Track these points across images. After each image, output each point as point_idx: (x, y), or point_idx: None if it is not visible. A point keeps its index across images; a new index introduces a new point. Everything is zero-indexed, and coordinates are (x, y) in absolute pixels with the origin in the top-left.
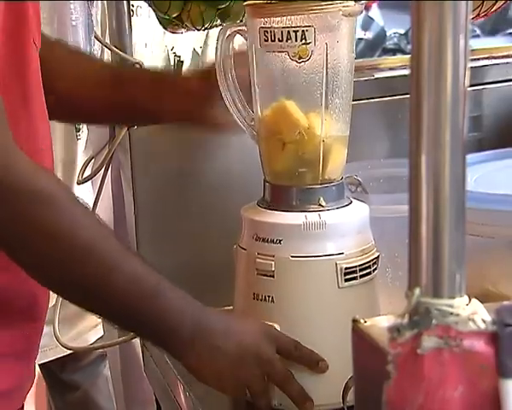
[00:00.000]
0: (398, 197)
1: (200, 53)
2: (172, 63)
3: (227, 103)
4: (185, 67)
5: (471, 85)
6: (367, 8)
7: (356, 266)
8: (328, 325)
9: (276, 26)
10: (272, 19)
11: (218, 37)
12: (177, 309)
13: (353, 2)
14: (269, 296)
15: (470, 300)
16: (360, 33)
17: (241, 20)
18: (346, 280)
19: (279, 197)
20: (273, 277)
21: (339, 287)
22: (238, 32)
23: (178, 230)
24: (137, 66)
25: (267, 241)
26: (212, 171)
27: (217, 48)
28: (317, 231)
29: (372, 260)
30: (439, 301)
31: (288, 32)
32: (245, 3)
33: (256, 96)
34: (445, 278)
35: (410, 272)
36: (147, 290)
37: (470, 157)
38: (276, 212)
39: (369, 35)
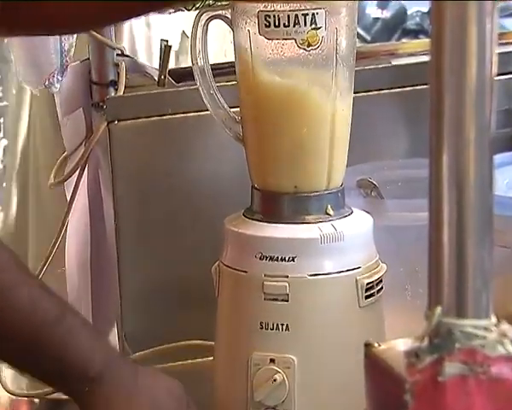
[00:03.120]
0: (419, 203)
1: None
2: (159, 48)
3: (204, 99)
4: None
5: (503, 74)
6: None
7: (374, 281)
8: (351, 350)
9: (281, 9)
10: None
11: (194, 22)
12: (84, 344)
13: None
14: (282, 324)
15: (498, 320)
16: (376, 12)
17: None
18: (367, 297)
19: (275, 207)
20: (287, 301)
21: (359, 306)
22: (218, 16)
23: (164, 239)
24: (119, 51)
25: (277, 259)
26: (202, 172)
27: (192, 35)
28: (335, 244)
29: (383, 273)
30: (463, 321)
31: (296, 15)
32: None
33: (245, 91)
34: (470, 295)
35: (430, 289)
36: (48, 318)
37: (501, 157)
38: (283, 225)
39: (387, 14)
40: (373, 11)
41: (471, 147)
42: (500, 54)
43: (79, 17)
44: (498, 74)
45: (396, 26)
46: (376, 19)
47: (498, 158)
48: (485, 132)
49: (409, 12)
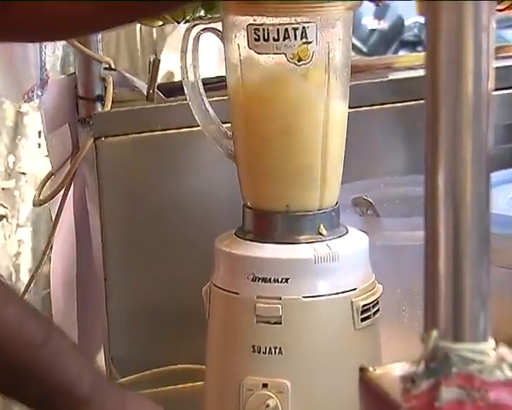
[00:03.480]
0: (417, 221)
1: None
2: (147, 62)
3: (195, 115)
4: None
5: (504, 88)
6: None
7: (370, 303)
8: (346, 374)
9: (271, 22)
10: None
11: (184, 35)
12: (71, 366)
13: None
14: (275, 348)
15: (497, 344)
16: (373, 23)
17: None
18: (363, 320)
19: (268, 226)
20: (280, 323)
21: (355, 329)
22: (209, 29)
23: (153, 259)
24: (106, 65)
25: (270, 281)
26: (193, 190)
27: (182, 48)
28: (329, 264)
29: (380, 295)
30: (460, 345)
31: (286, 29)
32: None
33: (237, 107)
34: (467, 318)
35: (427, 311)
36: (34, 339)
37: (502, 174)
38: (276, 245)
39: (384, 25)
40: (369, 22)
41: (468, 164)
42: (502, 68)
43: (77, 18)
44: (500, 89)
45: (393, 38)
46: (373, 30)
47: (500, 175)
48: (482, 149)
49: (406, 23)
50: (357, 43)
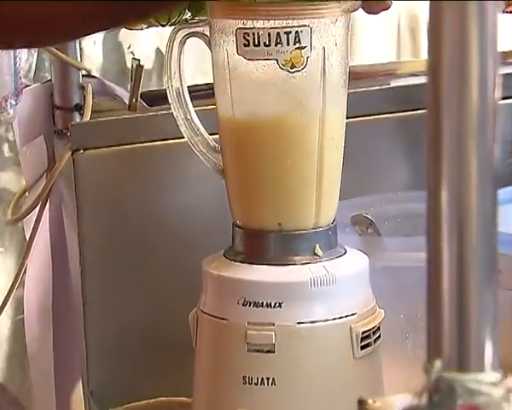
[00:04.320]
0: (421, 241)
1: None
2: (130, 67)
3: (180, 126)
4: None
5: (509, 97)
6: None
7: (370, 330)
8: (344, 406)
9: (261, 26)
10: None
11: (168, 39)
12: None
13: None
14: (268, 378)
15: (505, 375)
16: None
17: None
18: (362, 347)
19: (259, 247)
20: (273, 352)
21: (354, 357)
22: (195, 34)
23: (135, 283)
24: (85, 72)
25: (262, 305)
26: (178, 207)
27: (167, 54)
28: (326, 287)
29: (381, 320)
30: (466, 376)
31: (278, 33)
32: None
33: (225, 117)
34: (473, 347)
35: (430, 339)
36: None
37: (510, 190)
38: (268, 267)
39: None
40: None
41: (473, 180)
42: (509, 75)
43: (71, 18)
44: (508, 97)
45: None
46: None
47: (508, 191)
48: (488, 164)
49: None
50: None
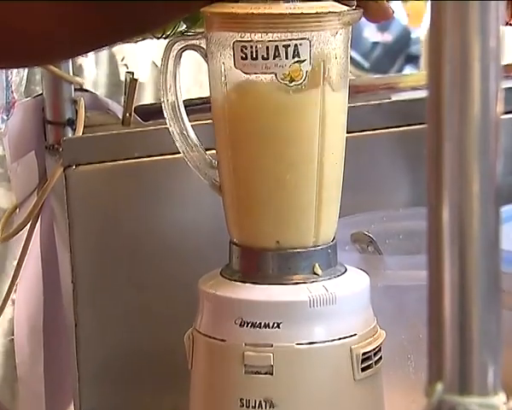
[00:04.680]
0: (423, 260)
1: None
2: (123, 80)
3: (176, 141)
4: (141, 84)
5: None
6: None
7: (371, 351)
8: None
9: (260, 39)
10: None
11: (164, 52)
12: None
13: (346, 8)
14: (266, 401)
15: (508, 398)
16: (376, 35)
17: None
18: (363, 369)
19: (257, 265)
20: (271, 374)
21: (355, 379)
22: (191, 47)
23: (129, 303)
24: (77, 86)
25: (260, 326)
26: (174, 224)
27: (162, 67)
28: (326, 307)
29: (382, 341)
30: (468, 399)
31: (277, 47)
32: (205, 8)
33: (222, 132)
34: (475, 369)
35: (431, 361)
36: None
37: None
38: (266, 286)
39: (388, 37)
40: (372, 34)
41: (475, 198)
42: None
43: (81, 35)
44: (509, 112)
45: (398, 52)
46: (376, 43)
47: (511, 209)
48: (490, 180)
49: (413, 35)
50: (358, 58)
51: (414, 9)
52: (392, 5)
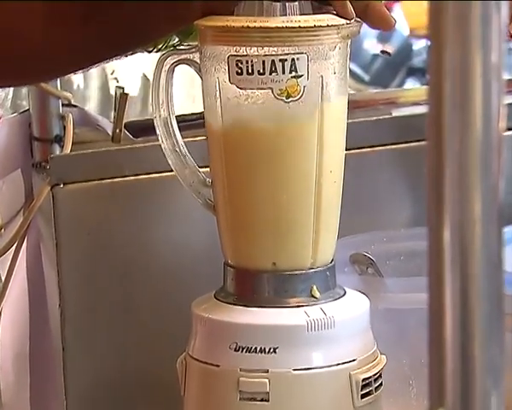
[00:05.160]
0: (425, 282)
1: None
2: (113, 94)
3: (168, 158)
4: (132, 98)
5: None
6: (387, 7)
7: (371, 377)
8: None
9: (255, 53)
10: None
11: (156, 66)
12: None
13: (344, 21)
14: None
15: None
16: (376, 47)
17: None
18: (363, 396)
19: (253, 288)
20: (267, 400)
21: (354, 406)
22: (184, 61)
23: (119, 327)
24: (65, 101)
25: (255, 351)
26: (166, 245)
27: (154, 82)
28: (324, 331)
29: (383, 366)
30: None
31: (273, 61)
32: (199, 22)
33: (216, 150)
34: (478, 395)
35: (432, 387)
36: None
37: None
38: (262, 309)
39: (390, 49)
40: (372, 46)
41: (476, 218)
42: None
43: (76, 55)
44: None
45: (400, 64)
46: (376, 55)
47: None
48: (492, 200)
49: (415, 47)
50: (358, 71)
51: (414, 19)
52: (394, 16)
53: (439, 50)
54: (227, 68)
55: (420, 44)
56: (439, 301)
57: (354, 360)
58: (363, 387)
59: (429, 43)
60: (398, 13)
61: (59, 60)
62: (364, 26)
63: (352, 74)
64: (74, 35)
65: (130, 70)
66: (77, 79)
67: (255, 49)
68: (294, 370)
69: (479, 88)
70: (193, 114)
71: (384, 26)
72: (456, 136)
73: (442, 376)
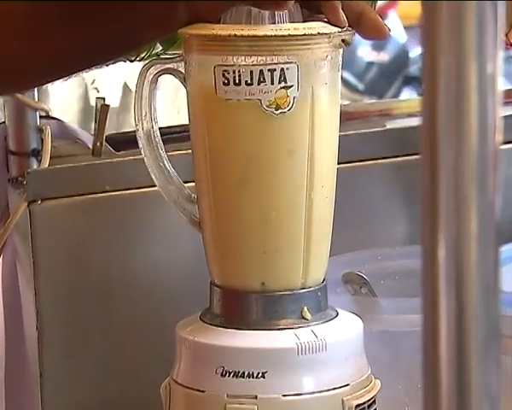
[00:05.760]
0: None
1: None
2: (94, 105)
3: (151, 173)
4: (113, 109)
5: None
6: (381, 16)
7: (365, 403)
8: None
9: (243, 63)
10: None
11: (138, 76)
12: None
13: (336, 29)
14: None
15: None
16: (371, 54)
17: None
18: None
19: (240, 309)
20: None
21: None
22: (169, 71)
23: (100, 351)
24: (43, 113)
25: (243, 376)
26: (149, 264)
27: (137, 93)
28: (315, 355)
29: (377, 392)
30: None
31: (261, 71)
32: (183, 30)
33: (202, 164)
34: None
35: None
36: None
37: None
38: (250, 332)
39: (385, 57)
40: (367, 53)
41: (472, 236)
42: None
43: (52, 62)
44: (509, 142)
45: (396, 72)
46: (371, 63)
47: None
48: (489, 217)
49: (411, 54)
50: (352, 80)
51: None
52: (389, 22)
53: (433, 59)
54: (213, 79)
55: (417, 52)
56: (434, 322)
57: (347, 385)
58: None
59: (422, 51)
60: (393, 18)
61: (34, 67)
62: None
63: (346, 83)
64: (52, 41)
65: (111, 80)
66: (55, 89)
67: (242, 58)
68: (284, 396)
69: (474, 99)
70: (177, 126)
71: (378, 36)
72: (450, 149)
73: (437, 401)
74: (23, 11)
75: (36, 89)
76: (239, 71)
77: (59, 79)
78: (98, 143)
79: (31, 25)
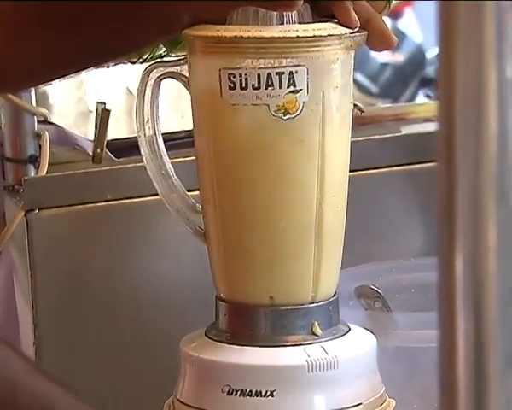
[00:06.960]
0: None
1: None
2: (93, 110)
3: (154, 181)
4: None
5: None
6: (396, 14)
7: None
8: None
9: (250, 66)
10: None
11: (141, 80)
12: None
13: (348, 30)
14: None
15: None
16: (385, 55)
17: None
18: None
19: (247, 324)
20: None
21: None
22: (172, 74)
23: (100, 366)
24: (41, 118)
25: (250, 394)
26: (151, 276)
27: (138, 97)
28: (326, 372)
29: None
30: None
31: (269, 75)
32: (187, 31)
33: (207, 172)
34: None
35: None
36: None
37: None
38: (258, 348)
39: (400, 57)
40: (381, 54)
41: (491, 252)
42: None
43: (44, 63)
44: None
45: (412, 74)
46: (385, 64)
47: None
48: (508, 229)
49: (428, 55)
50: (365, 82)
51: None
52: (404, 23)
53: (450, 64)
54: (218, 82)
55: (433, 52)
56: (451, 338)
57: (360, 405)
58: None
59: (439, 56)
60: (409, 17)
61: (24, 67)
62: None
63: (359, 86)
64: (39, 41)
65: (112, 83)
66: (53, 92)
67: (249, 61)
68: None
69: (493, 105)
70: (181, 131)
71: (384, 46)
72: (468, 157)
73: None
74: (9, 11)
75: (33, 93)
76: (245, 74)
77: (53, 79)
78: (98, 150)
79: (16, 25)
